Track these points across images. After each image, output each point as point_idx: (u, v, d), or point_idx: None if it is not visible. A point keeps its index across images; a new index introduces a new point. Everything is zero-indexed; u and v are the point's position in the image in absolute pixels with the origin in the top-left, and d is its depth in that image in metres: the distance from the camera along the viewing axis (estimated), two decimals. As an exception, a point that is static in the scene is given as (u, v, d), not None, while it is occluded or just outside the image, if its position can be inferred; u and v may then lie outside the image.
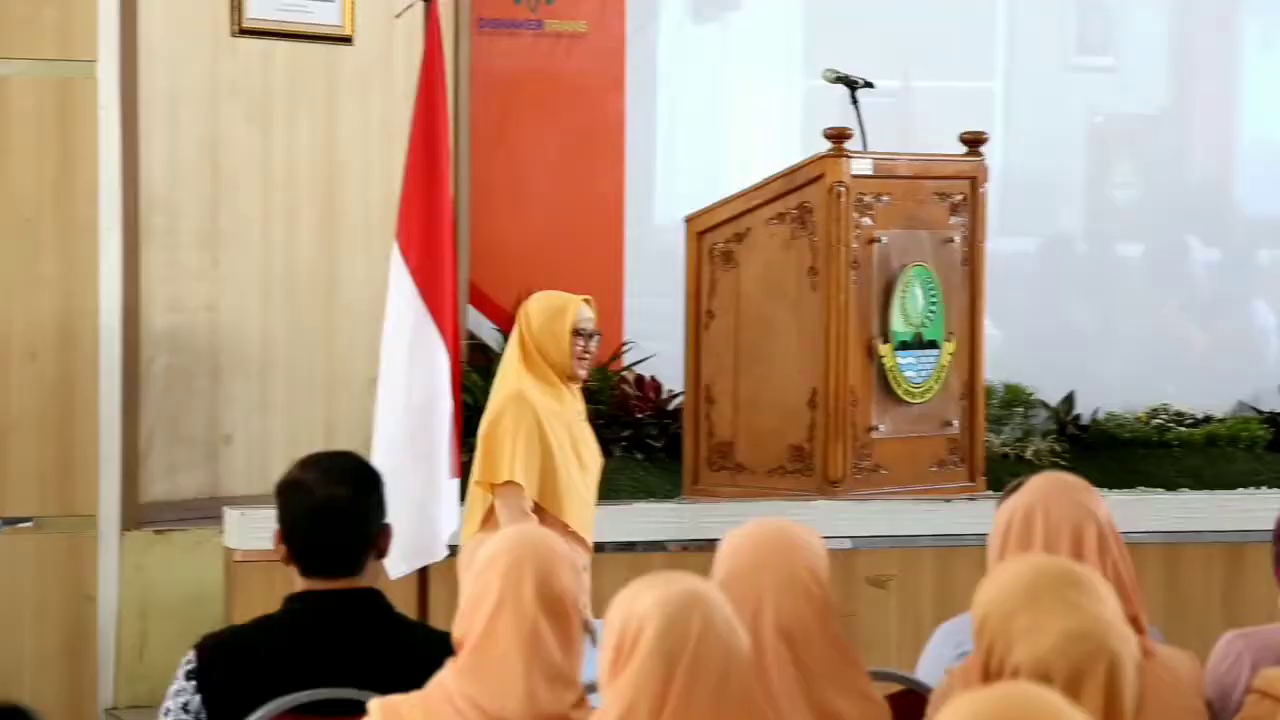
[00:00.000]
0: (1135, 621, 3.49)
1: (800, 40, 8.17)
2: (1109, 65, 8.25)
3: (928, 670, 4.01)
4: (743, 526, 3.59)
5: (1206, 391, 8.03)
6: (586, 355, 5.67)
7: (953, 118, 6.94)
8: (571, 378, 5.66)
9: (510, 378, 5.65)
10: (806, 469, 6.85)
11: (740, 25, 8.29)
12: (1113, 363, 8.15)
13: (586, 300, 5.73)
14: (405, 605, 4.56)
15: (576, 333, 5.62)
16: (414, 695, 3.27)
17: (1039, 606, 2.82)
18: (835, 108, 7.01)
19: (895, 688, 3.88)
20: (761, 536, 3.51)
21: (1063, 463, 7.60)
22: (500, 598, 3.21)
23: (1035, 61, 8.16)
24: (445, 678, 3.25)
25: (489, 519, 5.52)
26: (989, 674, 2.87)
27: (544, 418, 5.56)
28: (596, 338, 5.71)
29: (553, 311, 5.67)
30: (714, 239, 7.01)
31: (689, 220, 7.09)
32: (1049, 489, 3.60)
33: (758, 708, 3.00)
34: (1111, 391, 7.97)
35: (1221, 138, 8.32)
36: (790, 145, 7.49)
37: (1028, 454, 7.67)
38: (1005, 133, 8.06)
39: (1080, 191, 7.71)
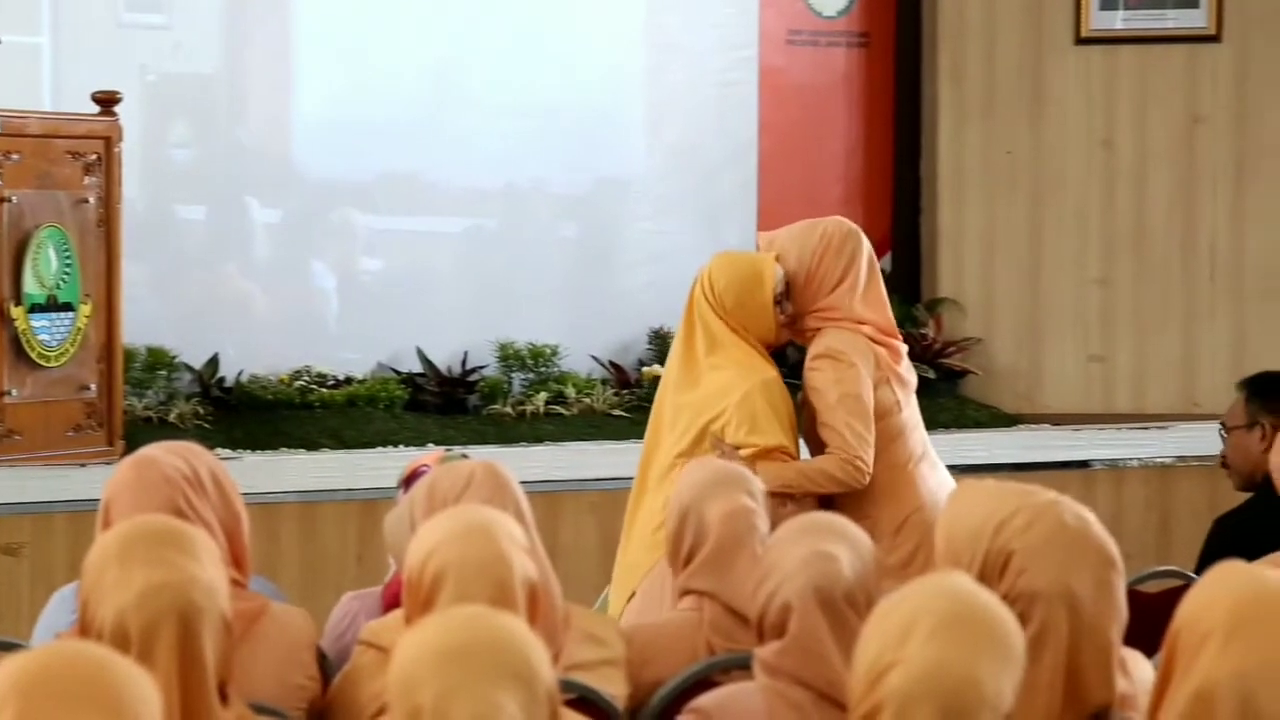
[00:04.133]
0: (236, 580, 3.54)
1: None
2: (161, 23, 8.19)
3: (41, 635, 3.96)
4: None
5: (346, 351, 8.17)
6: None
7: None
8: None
9: None
10: (-70, 437, 6.62)
11: None
12: (259, 326, 8.19)
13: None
14: None
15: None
16: None
17: (128, 562, 2.83)
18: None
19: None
20: None
21: (207, 425, 7.61)
22: None
23: (86, 17, 7.97)
24: None
25: None
26: (87, 632, 2.86)
27: None
28: None
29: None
30: None
31: None
32: (146, 459, 3.65)
33: None
34: (261, 354, 8.01)
35: (277, 100, 8.38)
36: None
37: (171, 417, 7.62)
38: (56, 90, 7.88)
39: (137, 152, 7.60)
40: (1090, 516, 3.20)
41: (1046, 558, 3.09)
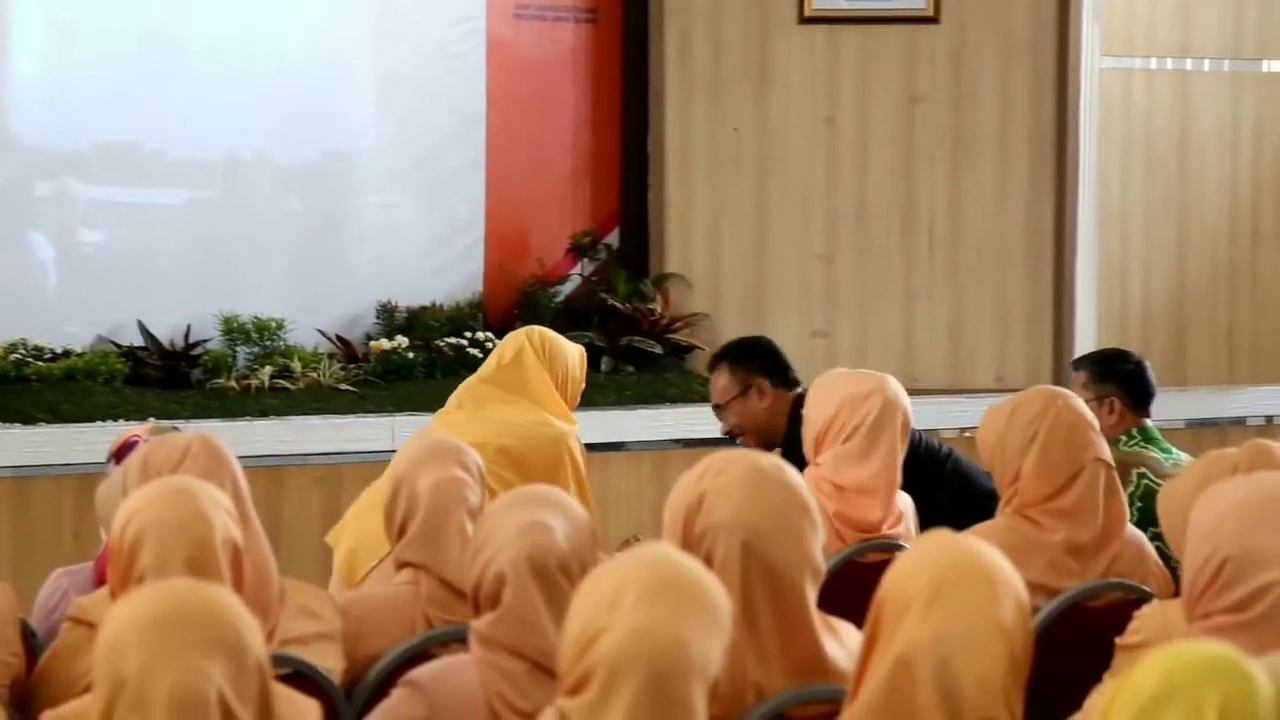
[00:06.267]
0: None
1: None
2: None
3: None
4: None
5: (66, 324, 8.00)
6: None
7: None
8: None
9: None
10: None
11: None
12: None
13: None
14: None
15: None
16: None
17: None
18: None
19: None
20: None
21: (-80, 401, 7.42)
22: None
23: None
24: None
25: None
26: None
27: None
28: None
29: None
30: None
31: None
32: None
33: None
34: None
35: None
36: None
37: (-121, 392, 7.42)
38: None
39: None
40: (790, 470, 3.29)
41: (731, 494, 3.21)
